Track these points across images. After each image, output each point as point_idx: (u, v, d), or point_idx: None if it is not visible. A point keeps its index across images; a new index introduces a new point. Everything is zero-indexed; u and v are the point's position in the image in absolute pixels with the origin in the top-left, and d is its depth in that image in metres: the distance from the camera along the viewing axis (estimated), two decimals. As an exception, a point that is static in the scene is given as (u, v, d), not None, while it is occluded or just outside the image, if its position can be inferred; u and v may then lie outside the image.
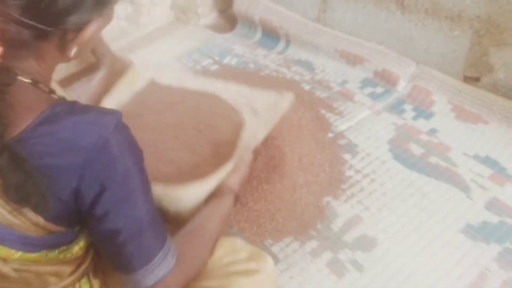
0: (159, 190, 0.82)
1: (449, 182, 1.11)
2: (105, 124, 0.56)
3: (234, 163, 0.90)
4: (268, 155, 1.15)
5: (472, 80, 1.35)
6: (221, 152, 0.98)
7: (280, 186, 1.10)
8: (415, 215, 1.05)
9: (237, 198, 0.88)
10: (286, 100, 1.06)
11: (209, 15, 1.96)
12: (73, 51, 0.61)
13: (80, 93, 1.13)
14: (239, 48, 1.70)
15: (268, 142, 1.17)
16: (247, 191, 1.08)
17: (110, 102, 1.08)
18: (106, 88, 1.11)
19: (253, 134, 1.00)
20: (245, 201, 1.07)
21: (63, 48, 0.60)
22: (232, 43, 1.73)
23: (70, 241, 0.65)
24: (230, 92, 1.14)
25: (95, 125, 0.56)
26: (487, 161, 1.16)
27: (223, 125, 1.05)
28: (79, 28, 0.59)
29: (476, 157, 1.17)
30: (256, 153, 1.15)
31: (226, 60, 1.63)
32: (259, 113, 1.05)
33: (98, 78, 1.14)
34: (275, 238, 1.02)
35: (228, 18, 1.94)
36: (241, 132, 0.99)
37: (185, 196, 0.85)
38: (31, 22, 0.54)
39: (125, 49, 1.71)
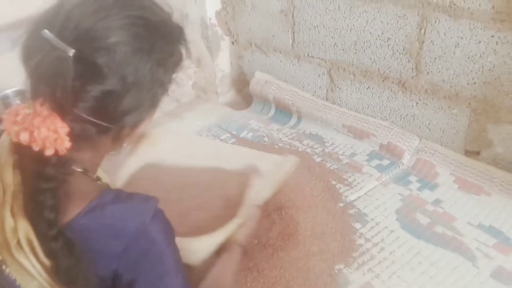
0: None
1: (455, 251, 1.14)
2: (145, 212, 0.62)
3: (242, 219, 0.96)
4: (283, 224, 1.22)
5: (472, 153, 1.42)
6: (230, 208, 1.04)
7: (294, 254, 1.15)
8: (424, 282, 1.07)
9: (245, 251, 0.93)
10: (290, 162, 1.14)
11: (227, 93, 2.11)
12: (126, 144, 0.69)
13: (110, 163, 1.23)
14: (254, 123, 1.81)
15: (283, 212, 1.24)
16: (263, 258, 1.13)
17: (133, 163, 1.17)
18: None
19: (258, 192, 1.06)
20: (261, 268, 1.11)
21: (118, 141, 0.66)
22: (248, 118, 1.85)
23: None
24: (238, 153, 1.23)
25: (138, 213, 0.62)
26: (491, 230, 1.20)
27: (232, 184, 1.13)
28: (136, 125, 0.65)
29: (480, 226, 1.21)
30: (271, 222, 1.23)
31: (242, 134, 1.74)
32: (264, 173, 1.12)
33: (125, 153, 1.24)
34: (289, 305, 1.06)
35: (245, 96, 2.07)
36: (247, 190, 1.05)
37: (193, 248, 0.89)
38: (97, 121, 0.59)
39: (151, 125, 1.85)
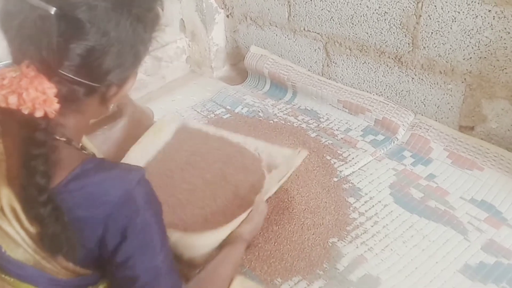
0: (175, 237, 0.89)
1: (447, 225, 1.17)
2: (129, 180, 0.62)
3: (249, 213, 0.97)
4: (277, 199, 1.23)
5: (467, 129, 1.44)
6: (242, 200, 1.05)
7: (289, 227, 1.17)
8: (416, 255, 1.10)
9: (248, 246, 0.93)
10: (300, 157, 1.15)
11: (221, 68, 2.09)
12: (112, 105, 0.68)
13: (103, 140, 1.20)
14: (249, 98, 1.81)
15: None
16: (258, 232, 1.15)
17: (138, 152, 1.17)
18: (127, 135, 1.18)
19: (269, 187, 1.07)
20: (256, 241, 1.13)
21: (104, 103, 0.66)
22: (243, 93, 1.84)
23: (95, 282, 0.69)
24: (250, 146, 1.23)
25: (121, 181, 0.62)
26: (483, 204, 1.22)
27: (246, 176, 1.13)
28: (121, 83, 0.65)
29: (472, 201, 1.23)
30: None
31: (237, 109, 1.74)
32: (276, 168, 1.13)
33: (119, 126, 1.19)
34: (284, 277, 1.06)
35: (239, 71, 2.06)
36: (261, 186, 1.07)
37: (198, 244, 0.90)
38: (83, 81, 0.59)
39: (144, 99, 1.83)
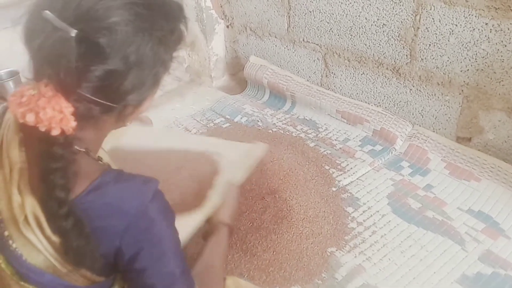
0: None
1: (445, 235, 1.17)
2: (146, 192, 0.63)
3: (220, 198, 0.97)
4: (276, 208, 1.23)
5: (464, 140, 1.45)
6: (203, 188, 1.04)
7: (287, 237, 1.17)
8: (414, 265, 1.10)
9: (231, 230, 0.93)
10: (260, 148, 1.15)
11: (221, 78, 2.11)
12: (130, 121, 0.69)
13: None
14: (248, 107, 1.82)
15: (276, 196, 1.26)
16: (256, 241, 1.15)
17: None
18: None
19: (232, 174, 1.06)
20: (255, 250, 1.13)
21: (121, 119, 0.67)
22: (242, 103, 1.86)
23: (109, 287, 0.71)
24: (208, 143, 1.23)
25: (138, 193, 0.63)
26: (480, 215, 1.23)
27: (201, 165, 1.13)
28: (138, 103, 0.66)
29: (469, 211, 1.24)
30: (265, 205, 1.24)
31: (237, 119, 1.75)
32: (234, 159, 1.12)
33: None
34: (282, 287, 1.07)
35: (239, 80, 2.08)
36: (218, 171, 1.06)
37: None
38: (100, 101, 0.59)
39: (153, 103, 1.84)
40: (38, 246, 0.60)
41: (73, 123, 0.57)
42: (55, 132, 0.56)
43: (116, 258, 0.63)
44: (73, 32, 0.54)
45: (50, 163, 0.57)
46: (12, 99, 0.58)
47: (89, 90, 0.58)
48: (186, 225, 0.91)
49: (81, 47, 0.55)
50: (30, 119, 0.56)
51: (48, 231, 0.59)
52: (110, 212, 0.61)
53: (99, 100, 0.59)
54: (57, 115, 0.56)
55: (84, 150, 0.63)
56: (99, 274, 0.66)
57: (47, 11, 0.55)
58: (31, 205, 0.59)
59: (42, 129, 0.56)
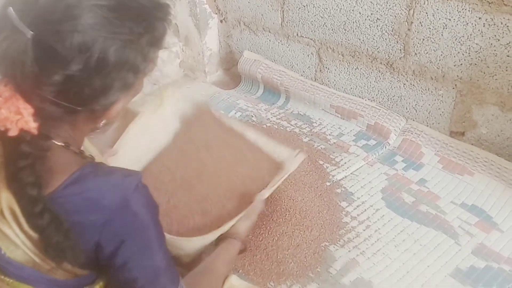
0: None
1: (438, 229, 1.18)
2: (127, 186, 0.62)
3: (247, 211, 0.96)
4: (270, 202, 1.23)
5: (457, 134, 1.45)
6: (241, 199, 1.04)
7: (281, 231, 1.17)
8: (407, 259, 1.11)
9: (244, 245, 0.93)
10: (297, 160, 1.14)
11: (215, 73, 2.10)
12: (102, 123, 0.67)
13: (96, 141, 1.22)
14: (243, 103, 1.81)
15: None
16: (251, 236, 1.15)
17: (138, 132, 1.16)
18: (119, 136, 1.19)
19: (268, 188, 1.06)
20: (249, 245, 1.13)
21: (92, 120, 0.66)
22: (236, 98, 1.85)
23: (92, 282, 0.69)
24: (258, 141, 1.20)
25: (118, 187, 0.61)
26: (473, 209, 1.23)
27: (252, 176, 1.11)
28: (106, 107, 0.64)
29: (463, 205, 1.25)
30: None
31: (231, 114, 1.74)
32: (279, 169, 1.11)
33: (111, 129, 1.20)
34: (277, 281, 1.07)
35: (233, 76, 2.07)
36: (264, 186, 1.05)
37: (186, 246, 0.90)
38: (62, 103, 0.58)
39: (137, 102, 1.83)
40: (15, 241, 0.59)
41: (33, 124, 0.55)
42: (13, 133, 0.55)
43: (97, 253, 0.63)
44: (30, 34, 0.52)
45: (18, 161, 0.56)
46: None
47: (50, 93, 0.56)
48: (200, 244, 0.90)
49: (38, 51, 0.53)
50: None
51: (25, 226, 0.58)
52: (89, 206, 0.60)
53: (61, 102, 0.57)
54: (13, 116, 0.54)
55: (63, 144, 0.62)
56: (82, 268, 0.65)
57: (10, 8, 0.53)
58: (7, 200, 0.58)
59: (1, 129, 0.55)
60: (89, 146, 0.80)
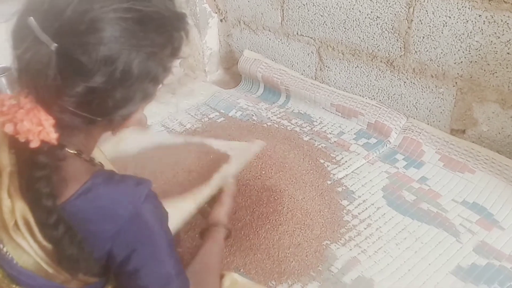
0: None
1: (439, 227, 1.18)
2: (138, 195, 0.61)
3: (214, 190, 0.96)
4: (271, 201, 1.23)
5: (458, 132, 1.45)
6: (195, 180, 1.04)
7: (283, 230, 1.17)
8: (409, 257, 1.11)
9: (228, 230, 0.93)
10: (256, 144, 1.13)
11: (215, 72, 2.10)
12: (119, 132, 0.67)
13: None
14: (243, 102, 1.81)
15: (272, 189, 1.26)
16: (252, 235, 1.15)
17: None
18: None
19: (228, 169, 1.05)
20: (250, 244, 1.13)
21: (109, 129, 0.65)
22: (237, 97, 1.85)
23: (102, 287, 0.70)
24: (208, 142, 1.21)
25: (129, 196, 0.61)
26: (474, 207, 1.23)
27: (200, 160, 1.12)
28: (126, 117, 0.63)
29: (464, 203, 1.25)
30: (260, 199, 1.24)
31: (231, 113, 1.74)
32: (232, 154, 1.11)
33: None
34: (278, 280, 1.07)
35: (233, 75, 2.07)
36: (220, 166, 1.04)
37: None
38: (83, 114, 0.57)
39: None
40: (28, 251, 0.59)
41: (53, 135, 0.55)
42: (34, 144, 0.54)
43: (108, 261, 0.62)
44: (53, 46, 0.52)
45: (34, 172, 0.56)
46: None
47: (72, 104, 0.55)
48: (176, 211, 0.89)
49: (61, 62, 0.53)
50: (9, 129, 0.55)
51: (39, 236, 0.58)
52: (101, 215, 0.59)
53: (82, 113, 0.57)
54: (35, 128, 0.54)
55: (75, 152, 0.62)
56: (92, 276, 0.65)
57: (31, 18, 0.52)
58: (21, 210, 0.58)
59: (22, 140, 0.54)
60: (97, 152, 0.81)
